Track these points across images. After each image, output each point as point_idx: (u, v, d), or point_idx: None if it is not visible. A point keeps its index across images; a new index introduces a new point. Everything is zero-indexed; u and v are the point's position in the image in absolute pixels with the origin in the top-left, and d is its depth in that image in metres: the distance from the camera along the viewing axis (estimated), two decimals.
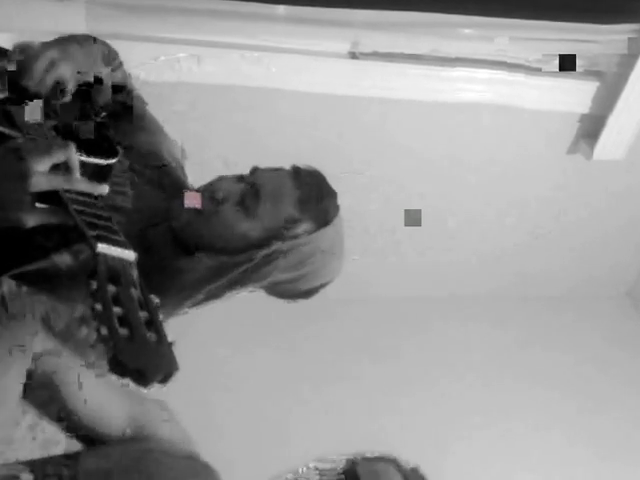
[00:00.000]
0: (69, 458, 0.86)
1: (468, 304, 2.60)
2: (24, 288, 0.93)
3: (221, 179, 1.09)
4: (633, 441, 2.39)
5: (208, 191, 1.05)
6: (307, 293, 1.11)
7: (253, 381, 2.19)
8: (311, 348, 2.36)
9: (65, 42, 1.12)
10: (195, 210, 1.03)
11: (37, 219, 0.79)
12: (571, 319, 2.73)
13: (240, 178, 1.08)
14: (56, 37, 1.17)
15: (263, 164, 2.22)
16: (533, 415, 2.38)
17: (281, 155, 2.15)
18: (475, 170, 2.40)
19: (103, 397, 0.94)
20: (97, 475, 0.83)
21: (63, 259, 1.00)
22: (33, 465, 0.86)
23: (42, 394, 0.89)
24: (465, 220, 2.52)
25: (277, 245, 1.02)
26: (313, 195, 1.05)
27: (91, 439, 0.93)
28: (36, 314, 0.93)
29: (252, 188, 1.04)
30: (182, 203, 1.04)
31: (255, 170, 1.09)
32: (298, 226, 1.03)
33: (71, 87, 1.07)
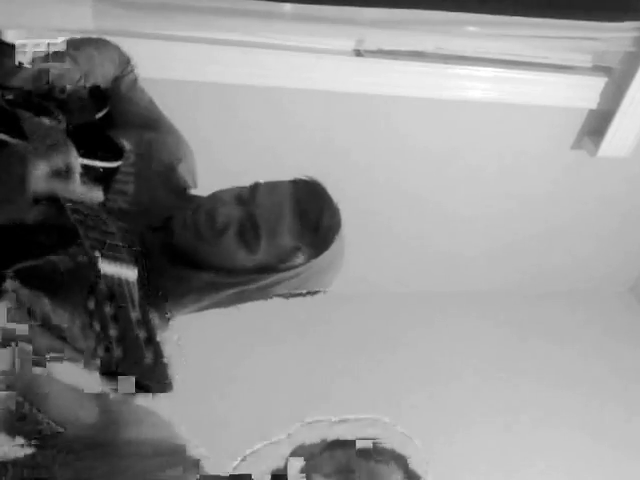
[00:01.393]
0: (43, 466, 0.84)
1: (472, 300, 2.61)
2: (26, 291, 0.92)
3: (220, 200, 1.03)
4: (638, 436, 2.40)
5: (207, 214, 1.02)
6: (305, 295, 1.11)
7: (254, 376, 2.21)
8: (313, 343, 2.37)
9: (83, 44, 1.14)
10: (194, 234, 1.01)
11: (36, 215, 0.82)
12: (575, 315, 2.73)
13: (239, 199, 1.03)
14: (72, 37, 1.18)
15: (267, 164, 2.23)
16: (537, 410, 2.38)
17: (285, 153, 2.16)
18: (479, 167, 2.40)
19: (70, 399, 0.93)
20: None
21: (61, 260, 0.98)
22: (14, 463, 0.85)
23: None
24: (469, 217, 2.52)
25: (277, 275, 1.02)
26: (312, 221, 1.01)
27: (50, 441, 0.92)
28: (37, 313, 0.93)
29: (251, 219, 1.00)
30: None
31: (255, 189, 1.03)
32: (297, 256, 1.02)
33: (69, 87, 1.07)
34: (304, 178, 1.06)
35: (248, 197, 1.03)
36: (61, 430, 0.89)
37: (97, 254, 0.71)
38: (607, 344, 2.68)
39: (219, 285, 1.02)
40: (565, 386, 2.45)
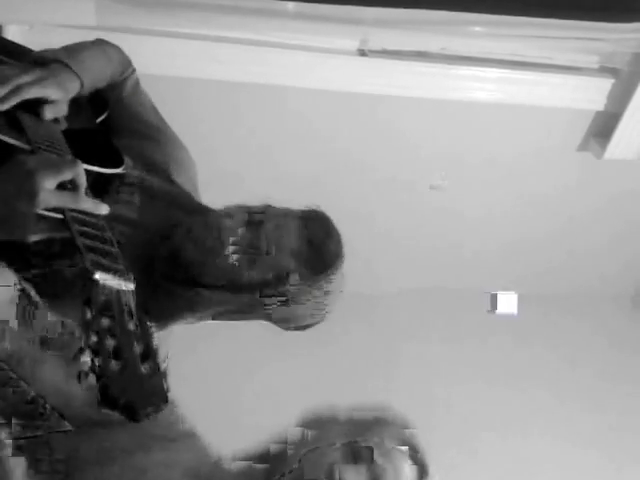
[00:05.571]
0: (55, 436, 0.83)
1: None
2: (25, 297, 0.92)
3: (227, 214, 1.03)
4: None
5: (214, 227, 1.02)
6: (299, 328, 1.11)
7: (257, 379, 2.20)
8: (324, 345, 2.33)
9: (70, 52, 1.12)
10: (198, 244, 1.01)
11: (40, 235, 0.80)
12: (579, 319, 2.70)
13: (248, 214, 1.03)
14: (68, 44, 1.16)
15: (268, 162, 2.20)
16: (536, 417, 2.36)
17: (287, 152, 2.15)
18: (483, 168, 2.38)
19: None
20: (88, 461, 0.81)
21: (61, 265, 0.99)
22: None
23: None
24: (473, 218, 2.51)
25: (274, 299, 1.03)
26: (316, 248, 1.03)
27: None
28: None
29: (258, 236, 1.01)
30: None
31: (265, 209, 1.04)
32: (295, 277, 1.02)
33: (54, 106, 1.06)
34: (313, 207, 1.07)
35: (257, 215, 1.03)
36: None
37: (94, 264, 0.70)
38: (609, 350, 2.65)
39: (216, 302, 1.03)
40: (570, 393, 2.43)
